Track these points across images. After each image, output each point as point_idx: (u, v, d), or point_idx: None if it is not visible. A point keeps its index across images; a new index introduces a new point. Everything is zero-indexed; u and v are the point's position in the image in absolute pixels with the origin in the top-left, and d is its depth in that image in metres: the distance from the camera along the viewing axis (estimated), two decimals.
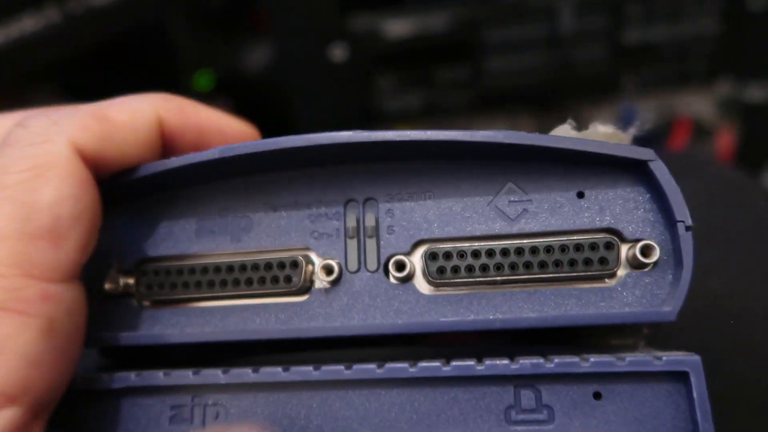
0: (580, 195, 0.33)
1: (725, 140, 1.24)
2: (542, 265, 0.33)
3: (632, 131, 0.39)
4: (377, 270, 0.34)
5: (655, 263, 0.32)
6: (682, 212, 0.31)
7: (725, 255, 0.61)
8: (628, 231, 0.33)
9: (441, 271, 0.33)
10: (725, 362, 0.50)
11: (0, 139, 0.32)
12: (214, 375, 0.33)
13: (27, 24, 1.07)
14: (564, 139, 0.32)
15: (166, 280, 0.36)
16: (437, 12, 1.19)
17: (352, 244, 0.35)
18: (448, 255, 0.33)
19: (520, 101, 1.27)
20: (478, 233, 0.34)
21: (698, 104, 1.26)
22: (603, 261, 0.32)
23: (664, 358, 0.30)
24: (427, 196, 0.35)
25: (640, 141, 0.38)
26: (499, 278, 0.33)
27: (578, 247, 0.33)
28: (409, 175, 0.35)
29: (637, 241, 0.32)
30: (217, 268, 0.36)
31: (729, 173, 0.81)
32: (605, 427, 0.31)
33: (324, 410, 0.31)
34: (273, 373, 0.33)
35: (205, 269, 0.36)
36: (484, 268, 0.33)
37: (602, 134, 0.37)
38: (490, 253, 0.33)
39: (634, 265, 0.32)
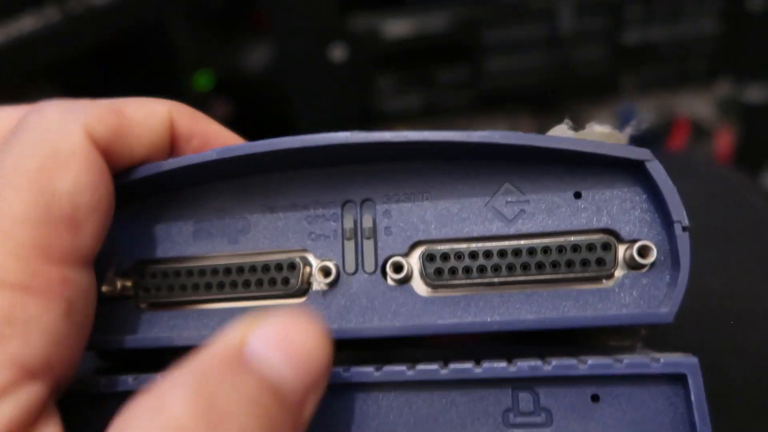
0: (577, 195, 0.33)
1: (724, 141, 1.24)
2: (540, 266, 0.33)
3: (629, 131, 0.39)
4: (375, 271, 0.34)
5: (653, 264, 0.32)
6: (679, 213, 0.31)
7: (724, 255, 0.62)
8: (625, 231, 0.33)
9: (438, 272, 0.33)
10: (724, 362, 0.50)
11: (13, 128, 0.32)
12: None
13: (27, 23, 1.07)
14: (561, 139, 0.32)
15: (164, 282, 0.36)
16: (437, 12, 1.19)
17: (350, 245, 0.35)
18: (445, 256, 0.33)
19: (520, 101, 1.27)
20: (475, 234, 0.34)
21: (697, 104, 1.26)
22: (600, 262, 0.32)
23: (661, 360, 0.30)
24: (425, 197, 0.34)
25: (637, 141, 0.38)
26: (496, 280, 0.33)
27: (575, 248, 0.33)
28: (407, 176, 0.35)
29: (635, 241, 0.32)
30: (215, 271, 0.36)
31: (728, 174, 0.82)
32: (603, 430, 0.31)
33: (320, 413, 0.31)
34: None
35: (202, 271, 0.36)
36: (482, 269, 0.33)
37: (599, 134, 0.37)
38: (488, 254, 0.33)
39: (632, 266, 0.32)
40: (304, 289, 0.35)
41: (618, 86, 1.23)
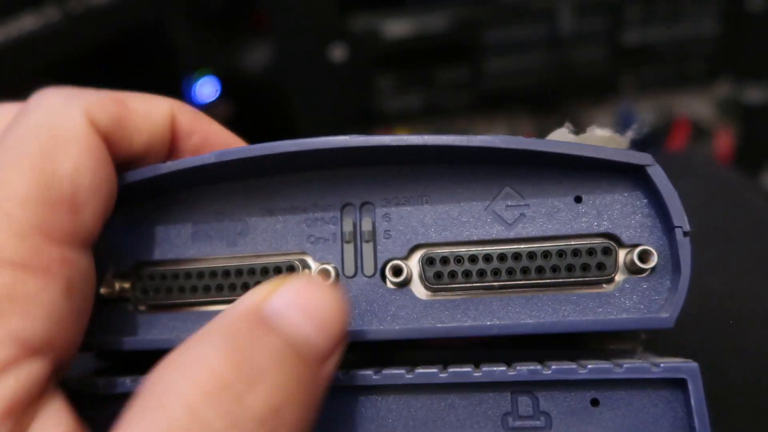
0: (578, 200, 0.33)
1: (724, 141, 1.24)
2: (540, 270, 0.33)
3: (630, 135, 0.39)
4: (374, 275, 0.34)
5: (653, 269, 0.32)
6: (679, 218, 0.31)
7: (724, 255, 0.62)
8: (625, 236, 0.32)
9: (438, 276, 0.33)
10: (724, 362, 0.50)
11: (14, 115, 0.33)
12: None
13: (26, 23, 1.07)
14: (561, 144, 0.32)
15: (162, 284, 0.36)
16: (437, 12, 1.19)
17: (349, 248, 0.35)
18: (445, 260, 0.33)
19: (519, 102, 1.27)
20: (475, 238, 0.34)
21: (697, 105, 1.26)
22: (601, 266, 0.32)
23: (661, 365, 0.30)
24: (424, 201, 0.34)
25: (638, 144, 0.38)
26: (496, 283, 0.33)
27: (576, 252, 0.32)
28: (406, 180, 0.35)
29: (635, 246, 0.32)
30: (213, 273, 0.36)
31: (728, 174, 0.82)
32: None
33: (319, 416, 0.31)
34: None
35: (201, 274, 0.36)
36: (482, 273, 0.33)
37: (600, 138, 0.37)
38: (488, 258, 0.33)
39: (632, 270, 0.32)
40: None
41: (618, 87, 1.23)
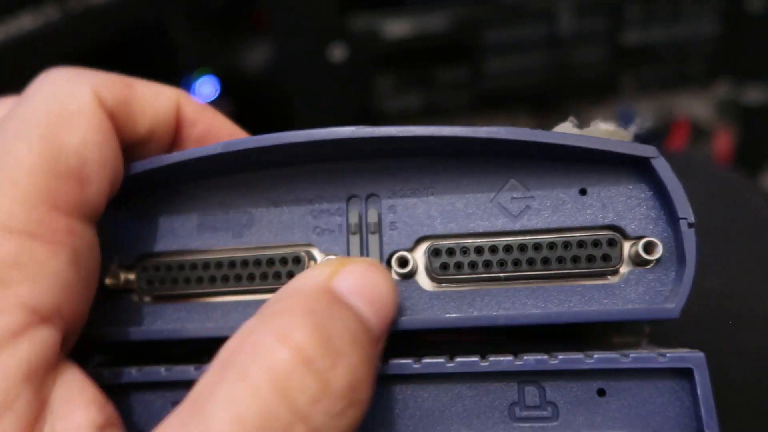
0: (583, 192, 0.33)
1: (723, 142, 1.24)
2: (545, 261, 0.33)
3: (634, 129, 0.39)
4: None
5: (658, 260, 0.32)
6: (684, 209, 0.31)
7: (724, 255, 0.62)
8: (630, 228, 0.33)
9: (444, 267, 0.33)
10: (724, 362, 0.50)
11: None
12: None
13: (26, 22, 1.07)
14: (567, 135, 0.32)
15: (167, 275, 0.36)
16: (437, 12, 1.19)
17: (355, 240, 0.35)
18: (451, 251, 0.33)
19: (519, 102, 1.27)
20: (480, 230, 0.34)
21: (697, 105, 1.26)
22: (606, 258, 0.32)
23: (668, 354, 0.30)
24: (430, 193, 0.34)
25: (640, 140, 0.38)
26: (502, 274, 0.33)
27: (581, 243, 0.33)
28: (412, 172, 0.35)
29: (640, 238, 0.32)
30: (219, 264, 0.36)
31: (727, 174, 0.82)
32: (609, 424, 0.31)
33: None
34: None
35: (206, 264, 0.36)
36: (487, 264, 0.33)
37: (604, 132, 0.37)
38: (493, 249, 0.33)
39: (637, 262, 0.32)
40: None
41: (617, 87, 1.24)
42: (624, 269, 0.33)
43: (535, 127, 0.33)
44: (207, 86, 1.35)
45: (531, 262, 0.33)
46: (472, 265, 0.33)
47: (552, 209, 0.33)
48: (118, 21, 1.17)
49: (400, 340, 0.36)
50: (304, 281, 0.29)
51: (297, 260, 0.35)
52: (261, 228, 0.36)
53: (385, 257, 0.34)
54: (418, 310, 0.33)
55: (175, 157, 0.35)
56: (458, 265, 0.33)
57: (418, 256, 0.34)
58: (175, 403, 0.34)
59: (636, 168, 0.33)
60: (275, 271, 0.35)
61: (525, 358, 0.31)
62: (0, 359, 0.27)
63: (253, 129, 0.38)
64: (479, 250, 0.33)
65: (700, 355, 0.30)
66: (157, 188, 0.37)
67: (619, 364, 0.30)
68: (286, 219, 0.36)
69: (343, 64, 1.22)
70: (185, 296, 0.36)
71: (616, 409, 0.31)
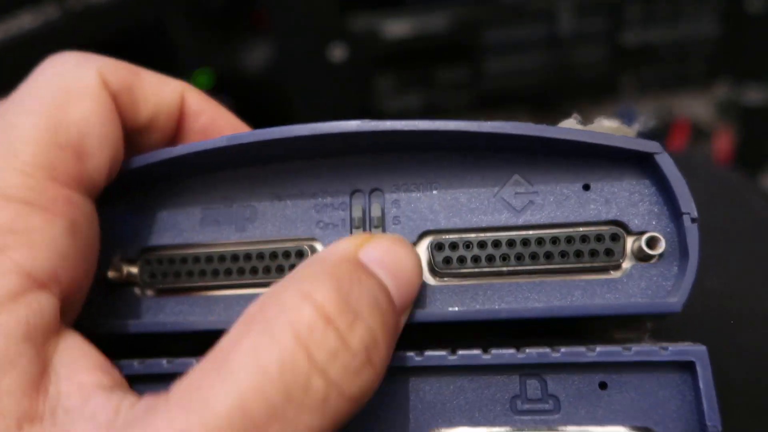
0: (586, 187, 0.33)
1: (723, 142, 1.24)
2: (548, 255, 0.33)
3: (637, 126, 0.39)
4: None
5: (661, 255, 0.32)
6: (687, 205, 0.31)
7: (723, 255, 0.62)
8: (633, 223, 0.33)
9: (447, 261, 0.33)
10: (724, 362, 0.50)
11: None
12: None
13: (26, 21, 1.07)
14: (571, 131, 0.32)
15: (170, 268, 0.36)
16: (437, 12, 1.19)
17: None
18: (454, 245, 0.33)
19: (519, 102, 1.27)
20: (484, 224, 0.34)
21: (697, 106, 1.26)
22: (609, 252, 0.32)
23: (670, 348, 0.30)
24: (433, 187, 0.35)
25: (644, 137, 0.38)
26: (505, 269, 0.33)
27: (584, 238, 0.33)
28: (416, 166, 0.35)
29: (643, 233, 0.32)
30: (222, 257, 0.36)
31: (727, 174, 0.82)
32: (611, 417, 0.31)
33: None
34: None
35: (209, 258, 0.36)
36: (490, 258, 0.33)
37: (608, 128, 0.37)
38: (496, 243, 0.33)
39: (640, 257, 0.32)
40: None
41: (617, 87, 1.24)
42: (627, 264, 0.33)
43: None
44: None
45: (534, 256, 0.33)
46: (475, 260, 0.33)
47: (555, 204, 0.33)
48: (118, 20, 1.17)
49: (403, 334, 0.36)
50: (331, 251, 0.30)
51: (300, 254, 0.35)
52: (264, 222, 0.36)
53: None
54: (421, 303, 0.34)
55: (179, 150, 0.35)
56: (461, 260, 0.33)
57: (422, 251, 0.34)
58: None
59: (639, 164, 0.33)
60: (278, 264, 0.35)
61: (527, 351, 0.31)
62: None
63: (254, 128, 0.38)
64: (482, 244, 0.33)
65: (702, 348, 0.30)
66: (160, 182, 0.37)
67: (621, 357, 0.30)
68: (290, 213, 0.36)
69: (343, 64, 1.22)
70: (188, 290, 0.37)
71: (618, 402, 0.31)
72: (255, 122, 0.40)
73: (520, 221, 0.34)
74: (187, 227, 0.37)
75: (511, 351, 0.31)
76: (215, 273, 0.36)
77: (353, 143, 0.34)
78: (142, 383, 0.34)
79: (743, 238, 0.68)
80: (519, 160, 0.34)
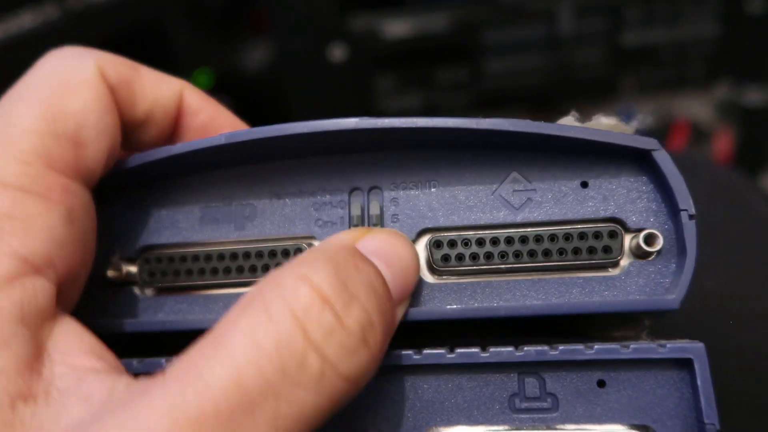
0: (584, 185, 0.33)
1: (723, 143, 1.24)
2: (546, 253, 0.33)
3: (635, 124, 0.39)
4: None
5: (659, 252, 0.32)
6: (685, 201, 0.31)
7: (724, 256, 0.61)
8: (631, 220, 0.33)
9: (445, 259, 0.33)
10: (724, 362, 0.50)
11: None
12: None
13: (25, 20, 1.07)
14: (569, 128, 0.32)
15: (169, 267, 0.36)
16: (437, 12, 1.19)
17: None
18: (452, 243, 0.34)
19: (519, 102, 1.27)
20: (482, 222, 0.34)
21: (696, 107, 1.26)
22: (607, 250, 0.32)
23: (668, 345, 0.30)
24: (432, 185, 0.35)
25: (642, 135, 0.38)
26: (503, 266, 0.33)
27: (582, 235, 0.33)
28: (414, 164, 0.35)
29: (641, 230, 0.32)
30: (221, 256, 0.36)
31: (727, 175, 0.82)
32: (609, 415, 0.31)
33: None
34: None
35: (208, 256, 0.36)
36: (489, 256, 0.33)
37: (606, 126, 0.37)
38: (495, 241, 0.33)
39: (638, 254, 0.32)
40: None
41: (617, 88, 1.24)
42: (625, 261, 0.33)
43: None
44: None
45: (532, 253, 0.33)
46: (474, 257, 0.33)
47: (553, 202, 0.34)
48: (118, 20, 1.17)
49: (401, 333, 0.36)
50: (329, 241, 0.31)
51: (299, 251, 0.35)
52: (263, 220, 0.36)
53: None
54: (420, 302, 0.34)
55: (178, 148, 0.35)
56: (459, 257, 0.33)
57: (420, 249, 0.34)
58: None
59: (637, 161, 0.33)
60: (277, 262, 0.35)
61: (525, 349, 0.31)
62: None
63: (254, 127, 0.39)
64: (480, 241, 0.33)
65: (700, 345, 0.30)
66: (159, 180, 0.37)
67: (619, 354, 0.30)
68: (289, 211, 0.36)
69: (343, 64, 1.22)
70: (187, 288, 0.37)
71: (616, 400, 0.31)
72: (255, 122, 0.40)
73: (519, 219, 0.34)
74: (186, 226, 0.37)
75: (510, 349, 0.31)
76: (214, 271, 0.36)
77: (351, 141, 0.34)
78: None
79: (743, 238, 0.67)
80: (517, 158, 0.34)
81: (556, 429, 0.31)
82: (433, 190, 0.35)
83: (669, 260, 0.32)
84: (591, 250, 0.33)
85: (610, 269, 0.33)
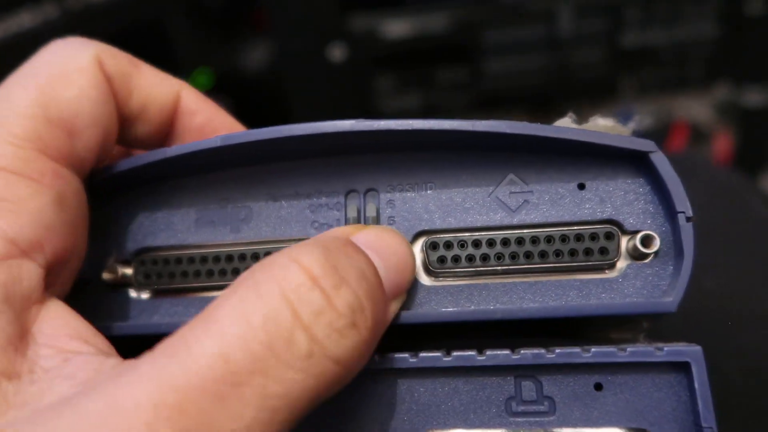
0: (581, 186, 0.33)
1: (723, 144, 1.24)
2: (543, 254, 0.33)
3: (632, 125, 0.39)
4: None
5: (656, 253, 0.32)
6: (682, 203, 0.31)
7: (723, 256, 0.61)
8: (628, 222, 0.33)
9: (441, 260, 0.33)
10: (723, 363, 0.50)
11: None
12: None
13: (25, 19, 1.07)
14: (566, 129, 0.32)
15: (165, 269, 0.36)
16: (437, 12, 1.19)
17: None
18: (448, 244, 0.33)
19: (519, 102, 1.27)
20: (478, 224, 0.34)
21: (696, 108, 1.26)
22: (603, 251, 0.32)
23: (665, 348, 0.30)
24: (428, 187, 0.34)
25: (639, 137, 0.38)
26: (499, 268, 0.33)
27: (579, 237, 0.33)
28: (411, 166, 0.35)
29: (638, 232, 0.32)
30: (217, 258, 0.36)
31: (726, 176, 0.82)
32: (606, 419, 0.30)
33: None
34: None
35: (204, 258, 0.36)
36: (485, 257, 0.33)
37: (603, 127, 0.37)
38: (491, 242, 0.33)
39: (635, 256, 0.32)
40: None
41: (617, 88, 1.24)
42: (622, 263, 0.33)
43: None
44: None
45: (528, 255, 0.33)
46: (470, 259, 0.33)
47: (550, 203, 0.33)
48: (118, 19, 1.17)
49: (398, 335, 0.36)
50: (324, 233, 0.32)
51: None
52: (259, 222, 0.36)
53: None
54: (416, 304, 0.33)
55: (174, 150, 0.34)
56: (456, 259, 0.33)
57: (417, 251, 0.34)
58: None
59: (634, 162, 0.33)
60: None
61: (522, 352, 0.31)
62: None
63: (253, 129, 0.38)
64: (476, 243, 0.33)
65: (697, 348, 0.30)
66: (155, 182, 0.37)
67: (617, 357, 0.30)
68: (285, 213, 0.36)
69: (343, 64, 1.22)
70: (183, 291, 0.37)
71: (613, 403, 0.31)
72: (254, 122, 0.40)
73: (515, 220, 0.33)
74: (182, 228, 0.37)
75: (506, 352, 0.31)
76: (210, 274, 0.36)
77: (348, 143, 0.34)
78: None
79: (743, 239, 0.67)
80: (514, 160, 0.34)
81: None
82: (429, 191, 0.34)
83: (666, 262, 0.32)
84: (587, 252, 0.32)
85: (607, 271, 0.33)
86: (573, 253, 0.33)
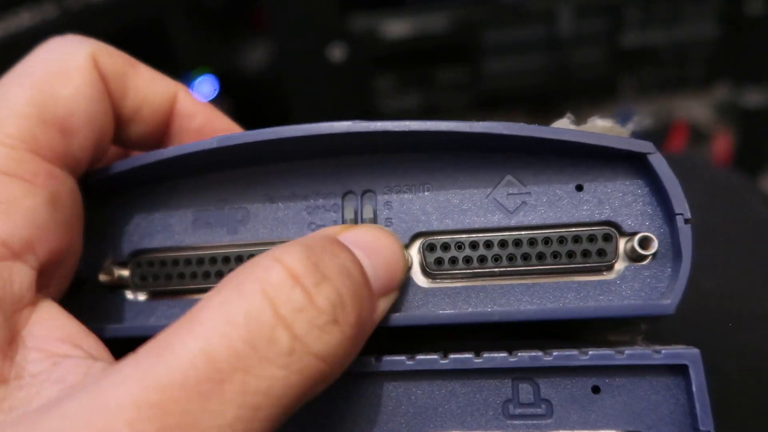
0: (579, 188, 0.33)
1: (722, 144, 1.24)
2: (540, 256, 0.33)
3: (631, 126, 0.39)
4: None
5: (654, 255, 0.32)
6: (681, 205, 0.31)
7: (723, 257, 0.61)
8: (626, 224, 0.32)
9: (439, 262, 0.33)
10: (723, 363, 0.50)
11: None
12: None
13: (24, 19, 1.07)
14: (564, 131, 0.32)
15: (161, 271, 0.36)
16: (437, 12, 1.19)
17: None
18: (446, 246, 0.33)
19: (519, 102, 1.27)
20: (476, 226, 0.34)
21: (696, 108, 1.26)
22: (601, 253, 0.32)
23: (663, 351, 0.30)
24: (426, 189, 0.34)
25: (638, 138, 0.37)
26: (497, 270, 0.33)
27: (576, 238, 0.32)
28: (408, 167, 0.35)
29: (636, 233, 0.32)
30: (213, 259, 0.36)
31: (726, 176, 0.82)
32: (604, 422, 0.30)
33: (316, 401, 0.31)
34: None
35: (201, 260, 0.36)
36: (482, 259, 0.33)
37: (601, 128, 0.37)
38: (488, 244, 0.33)
39: (633, 257, 0.32)
40: None
41: (617, 89, 1.24)
42: (620, 265, 0.32)
43: None
44: (205, 85, 1.35)
45: (526, 257, 0.33)
46: (467, 260, 0.33)
47: (548, 205, 0.33)
48: (117, 19, 1.17)
49: (394, 337, 0.36)
50: (313, 233, 0.32)
51: None
52: (256, 224, 0.36)
53: None
54: (413, 306, 0.33)
55: (170, 151, 0.34)
56: (453, 260, 0.33)
57: (414, 253, 0.34)
58: None
59: (633, 164, 0.33)
60: None
61: (519, 354, 0.31)
62: None
63: (252, 129, 0.38)
64: (474, 245, 0.33)
65: (695, 351, 0.30)
66: (152, 184, 0.37)
67: (614, 360, 0.30)
68: (282, 215, 0.36)
69: (343, 64, 1.22)
70: (179, 292, 0.36)
71: (611, 406, 0.30)
72: (254, 122, 0.40)
73: (513, 222, 0.33)
74: (179, 230, 0.37)
75: (503, 354, 0.31)
76: (206, 275, 0.35)
77: (345, 144, 0.34)
78: None
79: (742, 239, 0.67)
80: (512, 161, 0.34)
81: None
82: (426, 193, 0.34)
83: (664, 264, 0.32)
84: (585, 254, 0.32)
85: (605, 273, 0.33)
86: (571, 254, 0.32)
